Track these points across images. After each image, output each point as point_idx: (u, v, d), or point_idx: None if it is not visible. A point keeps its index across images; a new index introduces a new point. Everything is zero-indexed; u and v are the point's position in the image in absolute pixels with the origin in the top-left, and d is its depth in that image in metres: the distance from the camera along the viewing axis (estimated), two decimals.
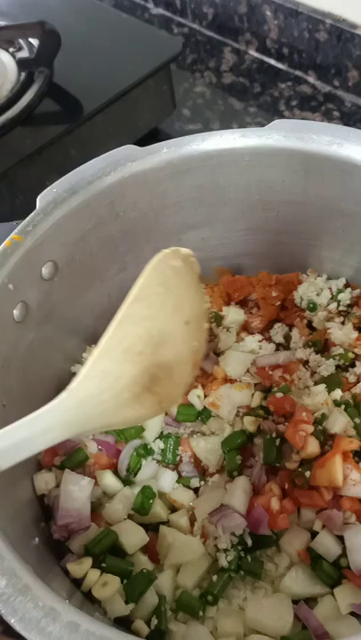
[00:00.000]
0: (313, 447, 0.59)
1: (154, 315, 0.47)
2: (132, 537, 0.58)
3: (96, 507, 0.62)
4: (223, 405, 0.66)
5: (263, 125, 1.06)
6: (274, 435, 0.61)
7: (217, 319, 0.74)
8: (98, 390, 0.45)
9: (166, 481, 0.64)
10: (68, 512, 0.58)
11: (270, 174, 0.67)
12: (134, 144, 1.01)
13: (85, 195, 0.64)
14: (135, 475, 0.65)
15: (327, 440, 0.60)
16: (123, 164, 0.65)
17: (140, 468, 0.66)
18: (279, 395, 0.63)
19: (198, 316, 0.50)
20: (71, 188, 0.64)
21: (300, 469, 0.59)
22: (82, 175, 0.64)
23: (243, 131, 0.65)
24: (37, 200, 0.64)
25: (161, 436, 0.67)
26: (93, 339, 0.77)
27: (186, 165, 0.66)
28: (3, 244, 0.61)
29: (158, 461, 0.66)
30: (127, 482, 0.65)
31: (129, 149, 0.66)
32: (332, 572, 0.57)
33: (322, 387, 0.64)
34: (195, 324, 0.49)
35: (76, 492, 0.59)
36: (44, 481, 0.62)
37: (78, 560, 0.57)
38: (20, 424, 0.44)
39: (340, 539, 0.58)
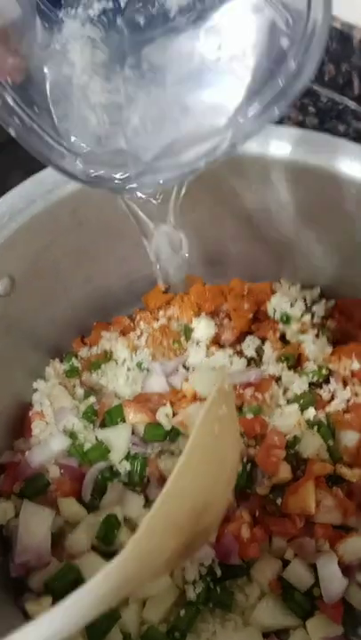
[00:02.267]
0: (285, 472, 0.57)
1: (199, 486, 0.43)
2: (96, 572, 0.55)
3: (57, 537, 0.59)
4: (192, 424, 0.63)
5: None
6: (245, 459, 0.59)
7: (186, 332, 0.71)
8: (136, 571, 0.40)
9: (133, 506, 0.61)
10: (27, 549, 0.54)
11: (242, 180, 0.64)
12: None
13: (45, 204, 0.60)
14: (100, 499, 0.62)
15: (299, 464, 0.58)
16: None
17: (105, 492, 0.62)
18: (250, 416, 0.61)
19: (236, 466, 0.49)
20: (28, 197, 0.59)
21: (271, 496, 0.57)
22: (40, 183, 0.60)
23: None
24: None
25: (127, 457, 0.64)
26: (57, 352, 0.74)
27: None
28: None
29: (125, 484, 0.63)
30: (92, 507, 0.62)
31: None
32: (304, 603, 0.55)
33: (295, 406, 0.62)
34: (233, 477, 0.47)
35: (36, 525, 0.55)
36: (3, 511, 0.58)
37: (38, 599, 0.53)
38: (60, 610, 0.38)
39: (313, 567, 0.56)
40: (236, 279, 0.75)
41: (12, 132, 0.43)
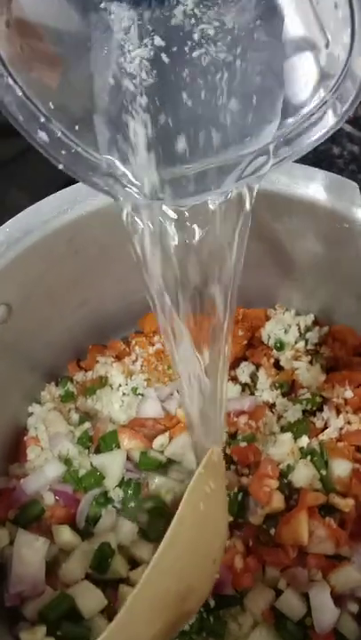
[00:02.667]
0: (278, 502, 0.57)
1: (185, 566, 0.43)
2: (90, 601, 0.56)
3: (52, 565, 0.59)
4: (186, 453, 0.63)
5: None
6: (236, 489, 0.59)
7: None
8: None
9: (126, 533, 0.61)
10: (21, 579, 0.55)
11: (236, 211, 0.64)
12: None
13: (41, 234, 0.60)
14: (94, 525, 0.62)
15: (292, 493, 0.59)
16: (81, 200, 0.61)
17: (99, 518, 0.63)
18: (243, 444, 0.61)
19: (223, 543, 0.47)
20: (25, 227, 0.60)
21: (264, 525, 0.57)
22: (37, 214, 0.60)
23: None
24: None
25: (121, 484, 0.64)
26: (53, 374, 0.74)
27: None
28: None
29: (118, 510, 0.64)
30: (86, 534, 0.62)
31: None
32: (296, 633, 0.55)
33: (288, 435, 0.62)
34: (220, 555, 0.46)
35: (30, 555, 0.56)
36: None
37: (32, 628, 0.54)
38: None
39: (306, 596, 0.56)
40: None
41: (61, 166, 0.43)
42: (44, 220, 0.60)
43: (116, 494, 0.63)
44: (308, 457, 0.61)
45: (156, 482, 0.64)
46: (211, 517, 0.46)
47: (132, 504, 0.63)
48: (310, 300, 0.72)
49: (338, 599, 0.56)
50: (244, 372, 0.70)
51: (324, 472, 0.60)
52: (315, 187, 0.59)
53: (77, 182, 0.64)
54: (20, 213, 0.61)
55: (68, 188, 0.63)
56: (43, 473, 0.63)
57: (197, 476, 0.45)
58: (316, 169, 0.60)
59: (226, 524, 0.50)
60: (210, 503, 0.45)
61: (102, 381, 0.71)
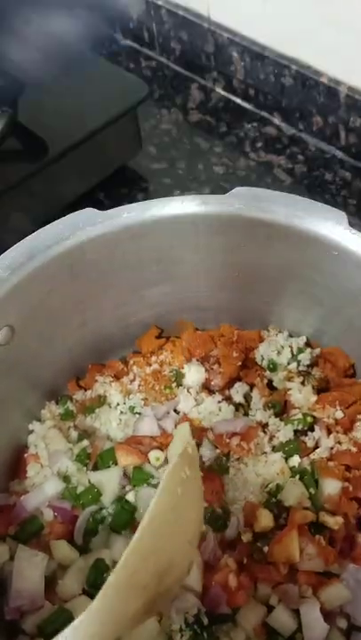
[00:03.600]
0: (266, 521, 0.59)
1: (162, 546, 0.46)
2: None
3: (51, 580, 0.61)
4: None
5: (229, 167, 1.06)
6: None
7: (178, 377, 0.73)
8: (99, 628, 0.42)
9: (120, 549, 0.63)
10: (21, 593, 0.56)
11: (231, 238, 0.67)
12: (101, 184, 1.01)
13: (43, 259, 0.63)
14: (90, 542, 0.64)
15: (281, 512, 0.61)
16: (82, 227, 0.64)
17: (96, 534, 0.65)
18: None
19: (199, 528, 0.51)
20: (29, 253, 0.62)
21: (258, 544, 0.59)
22: (39, 240, 0.63)
23: (204, 197, 0.65)
24: None
25: (115, 500, 0.66)
26: (53, 394, 0.76)
27: (146, 229, 0.66)
28: None
29: (112, 527, 0.65)
30: (83, 550, 0.64)
31: (88, 213, 0.65)
32: None
33: (278, 455, 0.64)
34: (196, 539, 0.50)
35: (30, 570, 0.57)
36: None
37: None
38: None
39: (297, 612, 0.58)
40: (226, 325, 0.78)
41: None
42: (46, 246, 0.63)
43: (112, 510, 0.65)
44: (297, 476, 0.63)
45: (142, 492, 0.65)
46: (187, 501, 0.49)
47: (124, 521, 0.65)
48: (302, 323, 0.75)
49: (327, 615, 0.58)
50: (238, 392, 0.72)
51: (313, 490, 0.62)
52: (307, 216, 0.62)
53: (76, 210, 0.67)
54: (24, 239, 0.63)
55: (68, 216, 0.66)
56: (42, 490, 0.65)
57: (174, 463, 0.48)
58: (310, 200, 0.63)
59: (201, 511, 0.53)
60: (186, 488, 0.48)
61: (101, 400, 0.73)
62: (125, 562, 0.43)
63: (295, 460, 0.65)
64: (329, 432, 0.67)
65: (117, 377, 0.75)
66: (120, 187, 1.02)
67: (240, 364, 0.74)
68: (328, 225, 0.61)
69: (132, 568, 0.43)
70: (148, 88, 0.96)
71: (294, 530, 0.58)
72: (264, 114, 1.10)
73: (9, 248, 0.64)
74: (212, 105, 1.14)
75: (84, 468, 0.68)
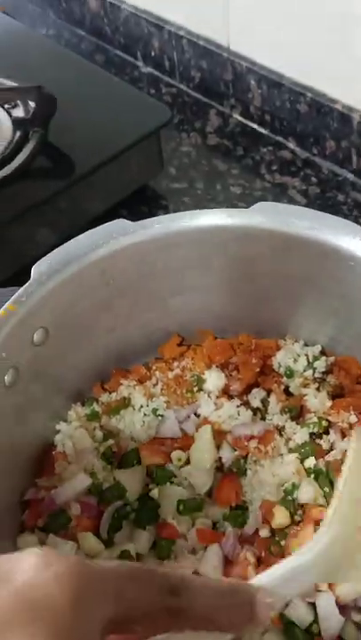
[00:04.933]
0: (282, 518, 0.63)
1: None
2: None
3: None
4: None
5: (245, 188, 1.11)
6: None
7: (199, 382, 0.77)
8: (343, 534, 0.46)
9: (143, 543, 0.66)
10: None
11: (253, 250, 0.72)
12: (123, 202, 1.06)
13: (78, 266, 0.67)
14: (115, 536, 0.67)
15: (297, 510, 0.64)
16: (115, 237, 0.69)
17: (120, 529, 0.68)
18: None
19: None
20: (65, 259, 0.67)
21: (276, 538, 0.62)
22: (75, 247, 0.68)
23: (229, 211, 0.69)
24: (32, 270, 0.67)
25: (139, 497, 0.69)
26: (79, 396, 0.80)
27: (175, 239, 0.70)
28: None
29: (135, 522, 0.68)
30: (108, 543, 0.67)
31: (121, 223, 0.70)
32: (303, 639, 0.59)
33: (294, 455, 0.68)
34: None
35: None
36: (27, 544, 0.63)
37: None
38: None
39: (313, 605, 0.61)
40: (244, 334, 0.82)
41: None
42: (80, 254, 0.68)
43: (135, 506, 0.68)
44: (312, 476, 0.66)
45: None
46: None
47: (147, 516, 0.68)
48: (318, 333, 0.79)
49: (342, 609, 0.60)
50: (256, 397, 0.76)
51: (327, 489, 0.65)
52: (324, 229, 0.66)
53: (107, 222, 0.72)
54: (60, 247, 0.68)
55: (102, 226, 0.70)
56: (71, 485, 0.68)
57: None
58: (327, 213, 0.67)
59: None
60: None
61: (125, 402, 0.77)
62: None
63: (311, 462, 0.68)
64: (343, 435, 0.71)
65: (141, 381, 0.79)
66: (141, 205, 1.07)
67: (258, 370, 0.77)
68: (345, 237, 0.65)
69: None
70: (170, 112, 1.02)
71: (310, 525, 0.61)
72: (279, 138, 1.16)
73: (36, 260, 0.68)
74: (229, 130, 1.20)
75: (109, 467, 0.71)
